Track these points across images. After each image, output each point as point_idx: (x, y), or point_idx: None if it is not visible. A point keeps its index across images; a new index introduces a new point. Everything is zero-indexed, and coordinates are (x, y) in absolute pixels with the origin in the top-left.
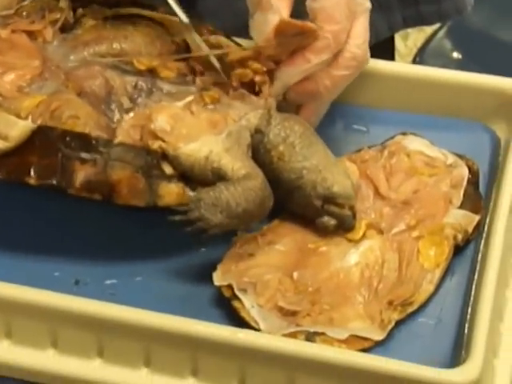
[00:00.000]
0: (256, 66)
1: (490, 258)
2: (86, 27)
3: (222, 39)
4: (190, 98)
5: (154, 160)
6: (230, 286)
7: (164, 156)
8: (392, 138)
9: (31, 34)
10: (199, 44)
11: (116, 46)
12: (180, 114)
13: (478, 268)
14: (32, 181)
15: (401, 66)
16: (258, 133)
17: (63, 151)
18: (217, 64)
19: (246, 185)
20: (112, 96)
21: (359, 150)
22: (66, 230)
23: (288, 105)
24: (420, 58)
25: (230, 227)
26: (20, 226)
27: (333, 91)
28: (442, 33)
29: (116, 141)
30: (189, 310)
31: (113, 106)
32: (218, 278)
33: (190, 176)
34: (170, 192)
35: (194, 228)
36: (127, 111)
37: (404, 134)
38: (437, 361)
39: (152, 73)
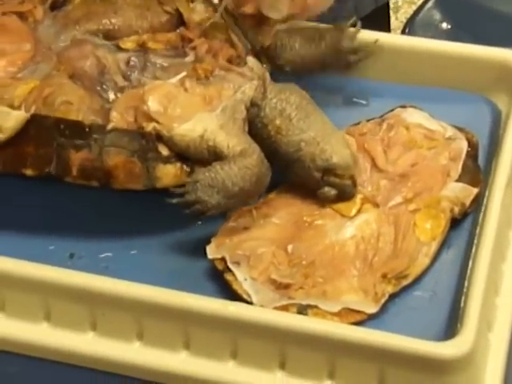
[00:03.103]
0: None
1: (485, 231)
2: (75, 3)
3: None
4: (184, 73)
5: (149, 143)
6: (223, 259)
7: (159, 137)
8: (391, 110)
9: (22, 15)
10: None
11: (106, 21)
12: (173, 92)
13: (475, 241)
14: (29, 171)
15: (402, 39)
16: (253, 106)
17: (58, 140)
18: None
19: (241, 163)
20: (105, 75)
21: (357, 123)
22: (61, 204)
23: None
24: (409, 29)
25: (227, 207)
26: (15, 202)
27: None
28: (430, 3)
29: (109, 126)
30: (182, 284)
31: (106, 86)
32: (211, 251)
33: (187, 156)
34: (168, 173)
35: (191, 210)
36: (121, 89)
37: (403, 106)
38: (431, 334)
39: (144, 47)
